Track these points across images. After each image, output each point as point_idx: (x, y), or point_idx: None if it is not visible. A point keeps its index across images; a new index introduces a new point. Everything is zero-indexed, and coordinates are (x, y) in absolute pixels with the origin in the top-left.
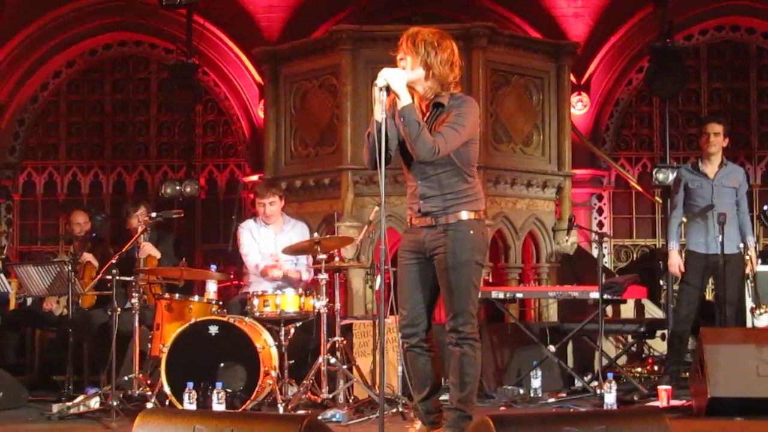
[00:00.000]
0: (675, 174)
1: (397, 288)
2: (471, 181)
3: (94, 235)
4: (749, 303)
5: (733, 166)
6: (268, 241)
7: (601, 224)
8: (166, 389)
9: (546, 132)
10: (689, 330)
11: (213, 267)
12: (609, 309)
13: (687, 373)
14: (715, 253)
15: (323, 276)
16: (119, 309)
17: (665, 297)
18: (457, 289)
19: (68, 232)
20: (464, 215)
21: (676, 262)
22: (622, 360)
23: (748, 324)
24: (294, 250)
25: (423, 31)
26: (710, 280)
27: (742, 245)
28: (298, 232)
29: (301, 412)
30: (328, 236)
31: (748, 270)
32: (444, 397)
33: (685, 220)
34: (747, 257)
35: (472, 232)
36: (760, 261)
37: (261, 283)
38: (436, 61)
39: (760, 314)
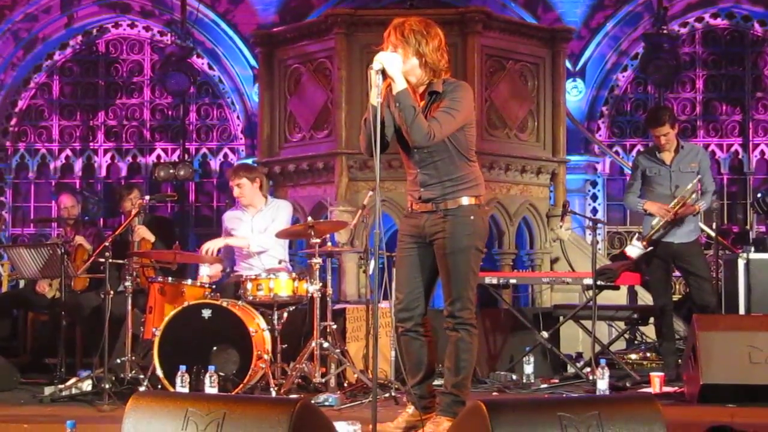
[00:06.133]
0: (632, 162)
1: (395, 272)
2: (471, 165)
3: (86, 218)
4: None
5: (690, 146)
6: (245, 224)
7: (595, 211)
8: (159, 372)
9: (541, 118)
10: (671, 318)
11: None
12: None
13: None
14: (680, 241)
15: (317, 260)
16: (112, 292)
17: None
18: (455, 274)
19: (59, 215)
20: (465, 201)
21: (658, 205)
22: (616, 346)
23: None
24: (288, 234)
25: (410, 21)
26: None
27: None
28: (275, 210)
29: (293, 395)
30: (321, 220)
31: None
32: (437, 382)
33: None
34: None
35: (472, 217)
36: (703, 205)
37: (252, 267)
38: (427, 50)
39: (636, 241)
